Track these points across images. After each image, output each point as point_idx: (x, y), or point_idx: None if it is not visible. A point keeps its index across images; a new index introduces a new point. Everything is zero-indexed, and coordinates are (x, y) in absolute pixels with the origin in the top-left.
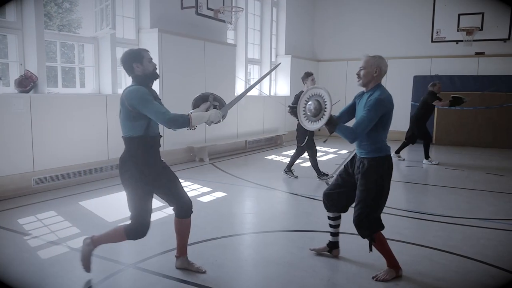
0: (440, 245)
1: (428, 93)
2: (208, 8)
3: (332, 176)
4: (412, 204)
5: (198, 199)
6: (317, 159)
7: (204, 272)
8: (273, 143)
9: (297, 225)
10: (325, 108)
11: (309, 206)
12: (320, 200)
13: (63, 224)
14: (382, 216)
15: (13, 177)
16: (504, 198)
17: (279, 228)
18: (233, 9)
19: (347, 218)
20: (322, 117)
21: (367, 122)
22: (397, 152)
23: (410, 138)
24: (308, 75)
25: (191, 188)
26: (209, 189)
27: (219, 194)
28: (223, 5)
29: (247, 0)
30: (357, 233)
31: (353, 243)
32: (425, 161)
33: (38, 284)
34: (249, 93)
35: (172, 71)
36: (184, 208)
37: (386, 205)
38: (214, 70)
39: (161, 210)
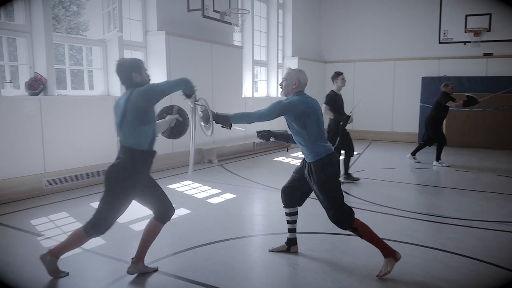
0: (451, 247)
1: (440, 94)
2: (214, 11)
3: (343, 183)
4: (423, 206)
5: (208, 200)
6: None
7: (156, 270)
8: (281, 145)
9: (306, 227)
10: (209, 111)
11: (318, 208)
12: None
13: (75, 225)
14: (393, 218)
15: (25, 178)
16: None
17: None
18: (239, 12)
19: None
20: (212, 120)
21: (261, 113)
22: (413, 154)
23: (427, 141)
24: (338, 74)
25: (200, 189)
26: (219, 191)
27: (229, 196)
28: (229, 8)
29: (253, 2)
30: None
31: (363, 246)
32: (435, 162)
33: (51, 284)
34: (257, 95)
35: (179, 73)
36: (166, 213)
37: (397, 207)
38: (221, 72)
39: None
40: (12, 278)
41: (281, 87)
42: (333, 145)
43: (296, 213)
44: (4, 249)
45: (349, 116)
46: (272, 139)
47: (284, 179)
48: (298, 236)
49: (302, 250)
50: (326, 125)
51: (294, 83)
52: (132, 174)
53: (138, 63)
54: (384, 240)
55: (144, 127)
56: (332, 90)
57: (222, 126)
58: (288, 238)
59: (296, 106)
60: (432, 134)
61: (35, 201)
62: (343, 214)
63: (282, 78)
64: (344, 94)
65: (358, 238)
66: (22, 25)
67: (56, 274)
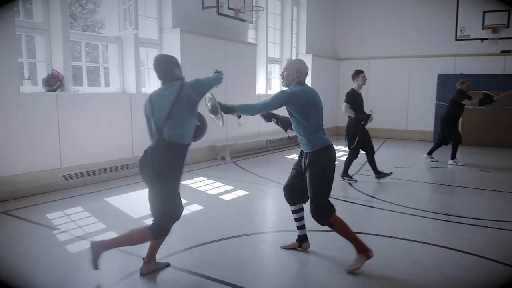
0: (465, 247)
1: (456, 91)
2: (229, 8)
3: (356, 181)
4: (436, 205)
5: (220, 197)
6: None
7: (169, 264)
8: (294, 142)
9: (318, 225)
10: (216, 103)
11: None
12: (342, 200)
13: (90, 219)
14: (406, 217)
15: (41, 173)
16: None
17: None
18: (254, 9)
19: (365, 219)
20: (220, 111)
21: (264, 104)
22: (430, 153)
23: (443, 140)
24: (358, 72)
25: (213, 186)
26: (231, 187)
27: (241, 193)
28: (244, 5)
29: None
30: (378, 234)
31: (375, 245)
32: (450, 161)
33: (66, 277)
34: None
35: (193, 70)
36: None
37: (410, 206)
38: (235, 69)
39: (185, 207)
40: (28, 270)
41: (281, 78)
42: (351, 144)
43: (301, 210)
44: (21, 242)
45: (369, 115)
46: (274, 121)
47: None
48: (310, 233)
49: (314, 247)
50: (345, 124)
51: (295, 73)
52: (177, 167)
53: (177, 59)
54: (395, 239)
55: (192, 119)
56: (352, 88)
57: (238, 117)
58: (298, 235)
59: (299, 96)
60: (448, 133)
61: (51, 195)
62: (324, 211)
63: (283, 69)
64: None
65: (371, 236)
66: (41, 23)
67: (95, 264)
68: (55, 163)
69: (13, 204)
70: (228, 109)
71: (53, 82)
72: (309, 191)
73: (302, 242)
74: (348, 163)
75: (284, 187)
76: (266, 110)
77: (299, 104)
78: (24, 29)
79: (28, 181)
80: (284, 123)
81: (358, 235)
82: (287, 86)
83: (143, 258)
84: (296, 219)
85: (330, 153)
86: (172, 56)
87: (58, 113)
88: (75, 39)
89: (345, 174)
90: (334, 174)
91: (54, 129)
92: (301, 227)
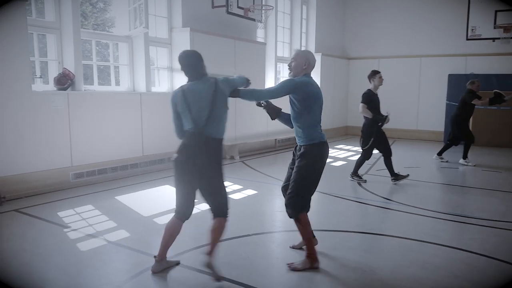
0: (476, 248)
1: (466, 91)
2: (238, 7)
3: (365, 181)
4: (448, 206)
5: (229, 196)
6: (355, 159)
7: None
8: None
9: (328, 225)
10: None
11: (340, 205)
12: (353, 200)
13: (100, 218)
14: (416, 218)
15: (52, 171)
16: None
17: None
18: (263, 8)
19: (375, 220)
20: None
21: (270, 90)
22: (439, 154)
23: (453, 140)
24: (375, 72)
25: None
26: (240, 187)
27: (250, 192)
28: (253, 4)
29: None
30: (388, 235)
31: (387, 245)
32: (461, 160)
33: (78, 274)
34: None
35: None
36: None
37: (421, 206)
38: (244, 68)
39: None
40: (40, 267)
41: (289, 68)
42: (365, 145)
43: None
44: (33, 240)
45: (386, 116)
46: (263, 105)
47: None
48: (320, 233)
49: (324, 248)
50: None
51: (304, 63)
52: (222, 162)
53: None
54: (406, 239)
55: (227, 115)
56: (368, 89)
57: (259, 104)
58: None
59: (306, 86)
60: (459, 133)
61: (62, 193)
62: (297, 202)
63: (291, 59)
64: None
65: (381, 237)
66: (52, 21)
67: (217, 276)
68: (66, 161)
69: (25, 202)
70: (233, 93)
71: (64, 81)
72: (292, 180)
73: None
74: (359, 163)
75: (282, 187)
76: (272, 96)
77: (305, 94)
78: (36, 27)
79: (39, 179)
80: (273, 111)
81: (357, 234)
82: (294, 77)
83: (155, 256)
84: None
85: (323, 149)
86: (196, 51)
87: (69, 112)
88: (86, 38)
89: (355, 174)
90: (322, 172)
91: (65, 128)
92: None
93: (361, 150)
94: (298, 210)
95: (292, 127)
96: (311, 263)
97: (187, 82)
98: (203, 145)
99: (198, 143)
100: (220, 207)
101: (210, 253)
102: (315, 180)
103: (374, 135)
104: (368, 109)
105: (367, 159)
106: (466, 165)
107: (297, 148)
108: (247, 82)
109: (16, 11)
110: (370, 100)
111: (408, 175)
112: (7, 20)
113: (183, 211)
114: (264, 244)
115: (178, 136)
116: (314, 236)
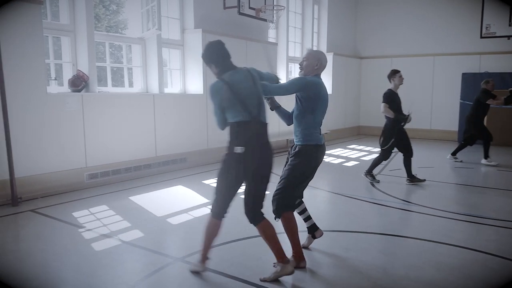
0: (492, 249)
1: (481, 91)
2: (250, 8)
3: (378, 181)
4: (463, 206)
5: (242, 196)
6: (371, 158)
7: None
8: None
9: (340, 225)
10: None
11: (352, 206)
12: (365, 201)
13: (115, 218)
14: (430, 218)
15: (67, 172)
16: None
17: (322, 227)
18: (275, 8)
19: (389, 221)
20: None
21: (281, 86)
22: (454, 154)
23: (468, 140)
24: (395, 72)
25: None
26: None
27: None
28: (265, 4)
29: None
30: (403, 235)
31: (401, 246)
32: (483, 160)
33: (93, 274)
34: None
35: None
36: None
37: (435, 207)
38: (256, 68)
39: (206, 206)
40: (56, 267)
41: (300, 67)
42: (385, 145)
43: (300, 203)
44: (48, 240)
45: (408, 115)
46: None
47: (317, 176)
48: (332, 234)
49: (336, 248)
50: (382, 125)
51: (316, 64)
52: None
53: None
54: (420, 240)
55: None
56: (389, 89)
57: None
58: (307, 228)
59: (316, 86)
60: (476, 132)
61: (76, 194)
62: (283, 200)
63: (303, 58)
64: (381, 91)
65: (395, 237)
66: (67, 24)
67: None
68: (81, 162)
69: (40, 203)
70: None
71: (79, 83)
72: (282, 177)
73: (313, 232)
74: (376, 162)
75: None
76: (281, 93)
77: (314, 94)
78: (51, 30)
79: (54, 180)
80: (272, 103)
81: (370, 235)
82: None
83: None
84: (299, 213)
85: (318, 152)
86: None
87: (83, 113)
88: (99, 40)
89: (369, 172)
90: (313, 174)
91: (79, 129)
92: (307, 219)
93: (380, 150)
94: (282, 208)
95: (288, 124)
96: (297, 262)
97: (220, 74)
98: (265, 131)
99: (258, 130)
100: (255, 207)
101: (283, 258)
102: (304, 181)
103: (395, 135)
104: (390, 108)
105: (385, 160)
106: (489, 164)
107: (293, 147)
108: (276, 79)
109: (32, 14)
110: (392, 99)
111: (424, 180)
112: (23, 24)
113: (224, 213)
114: None
115: (221, 128)
116: (318, 228)
